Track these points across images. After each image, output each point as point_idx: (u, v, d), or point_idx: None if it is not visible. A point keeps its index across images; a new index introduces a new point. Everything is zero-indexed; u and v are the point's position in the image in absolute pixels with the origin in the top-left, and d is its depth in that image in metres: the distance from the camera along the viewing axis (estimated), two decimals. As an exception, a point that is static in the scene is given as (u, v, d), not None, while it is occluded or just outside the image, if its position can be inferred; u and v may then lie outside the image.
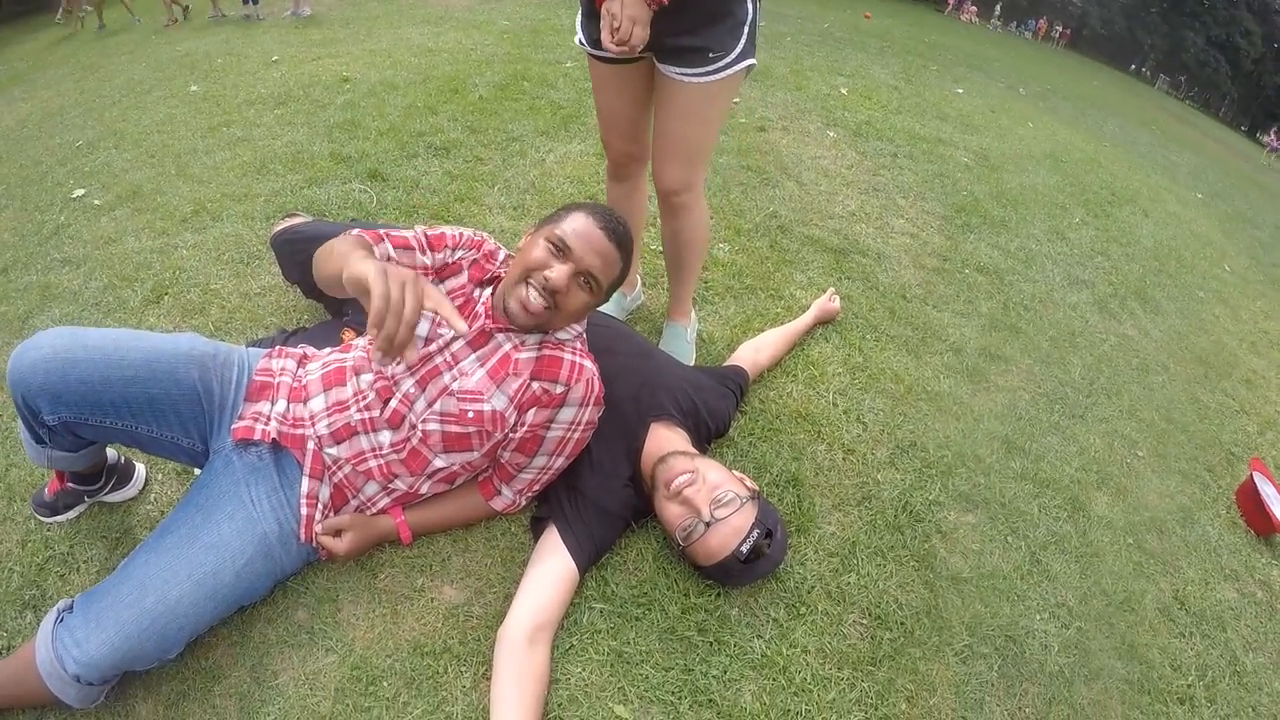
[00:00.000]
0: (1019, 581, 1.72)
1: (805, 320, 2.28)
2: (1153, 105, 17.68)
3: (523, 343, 1.36)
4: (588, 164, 3.21)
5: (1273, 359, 3.50)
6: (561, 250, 1.28)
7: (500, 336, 1.35)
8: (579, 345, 1.42)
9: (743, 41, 1.55)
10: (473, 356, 1.33)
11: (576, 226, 1.30)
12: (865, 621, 1.49)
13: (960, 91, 6.62)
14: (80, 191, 2.85)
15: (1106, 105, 10.21)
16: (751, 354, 2.04)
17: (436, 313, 0.96)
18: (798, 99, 4.85)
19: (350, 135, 3.28)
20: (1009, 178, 4.46)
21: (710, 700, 1.30)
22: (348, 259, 1.02)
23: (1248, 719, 1.62)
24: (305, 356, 1.45)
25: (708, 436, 1.71)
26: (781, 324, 2.27)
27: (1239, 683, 1.67)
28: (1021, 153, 5.11)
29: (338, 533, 1.33)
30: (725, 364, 1.98)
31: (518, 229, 2.64)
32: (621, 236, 1.32)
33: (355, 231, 1.27)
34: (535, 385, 1.34)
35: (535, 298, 1.28)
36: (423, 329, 1.32)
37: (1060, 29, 34.51)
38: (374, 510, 1.40)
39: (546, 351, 1.36)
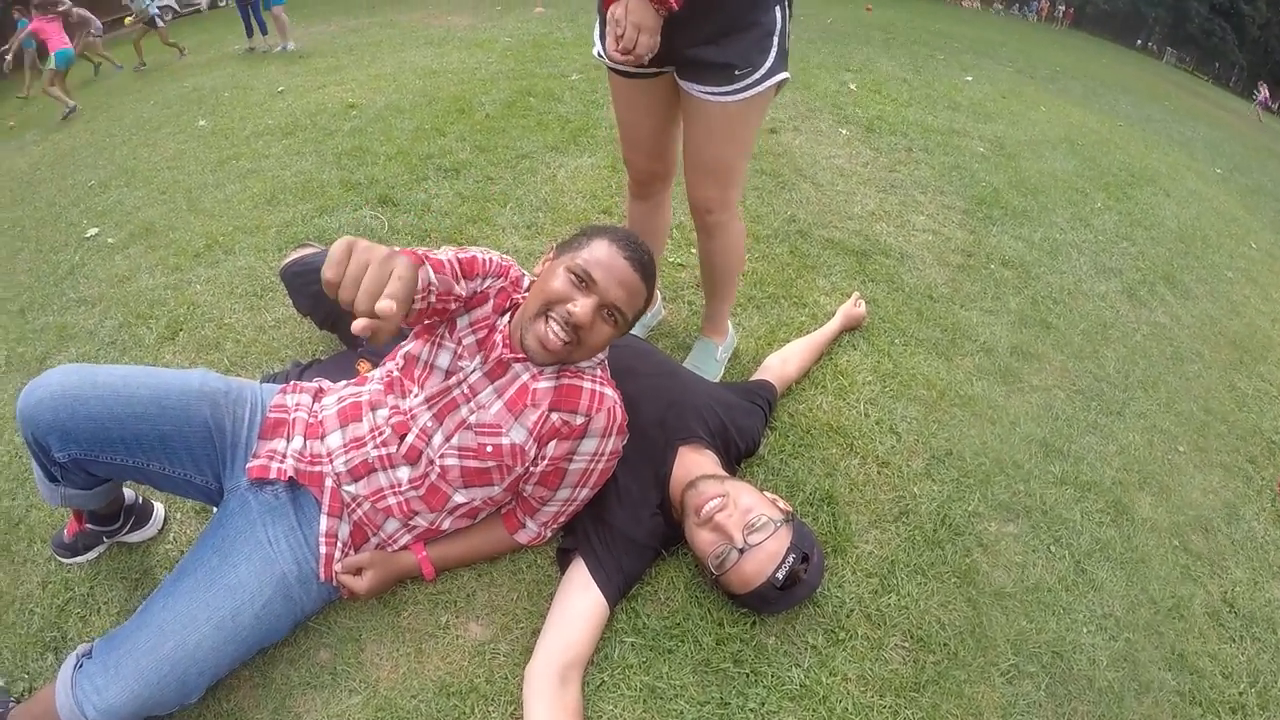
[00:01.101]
0: (1064, 593, 1.66)
1: (831, 328, 2.22)
2: (1163, 79, 17.25)
3: (540, 372, 1.30)
4: (600, 177, 3.17)
5: (1310, 340, 3.37)
6: (584, 282, 1.21)
7: (518, 366, 1.30)
8: (599, 372, 1.37)
9: (772, 55, 1.42)
10: (490, 388, 1.28)
11: (599, 256, 1.23)
12: (907, 645, 1.45)
13: (969, 79, 6.48)
14: (94, 231, 2.88)
15: (1116, 83, 9.97)
16: (779, 366, 1.99)
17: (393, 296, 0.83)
18: (807, 98, 4.77)
19: (359, 161, 3.28)
20: (1026, 165, 4.35)
21: None
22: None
23: None
24: (320, 391, 1.42)
25: (738, 456, 1.67)
26: (807, 333, 2.22)
27: None
28: (1037, 138, 4.98)
29: (358, 571, 1.30)
30: (752, 378, 1.94)
31: (532, 248, 2.61)
32: (646, 265, 1.26)
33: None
34: (554, 416, 1.28)
35: (556, 333, 1.21)
36: (444, 360, 1.28)
37: (1063, 9, 33.79)
38: (395, 547, 1.36)
39: (565, 380, 1.31)
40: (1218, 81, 32.65)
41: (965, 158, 4.18)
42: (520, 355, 1.28)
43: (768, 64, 1.43)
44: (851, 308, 2.33)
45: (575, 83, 4.52)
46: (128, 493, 1.44)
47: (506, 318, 1.32)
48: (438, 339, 1.29)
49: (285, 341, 2.06)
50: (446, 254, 1.26)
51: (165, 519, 1.54)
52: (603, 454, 1.36)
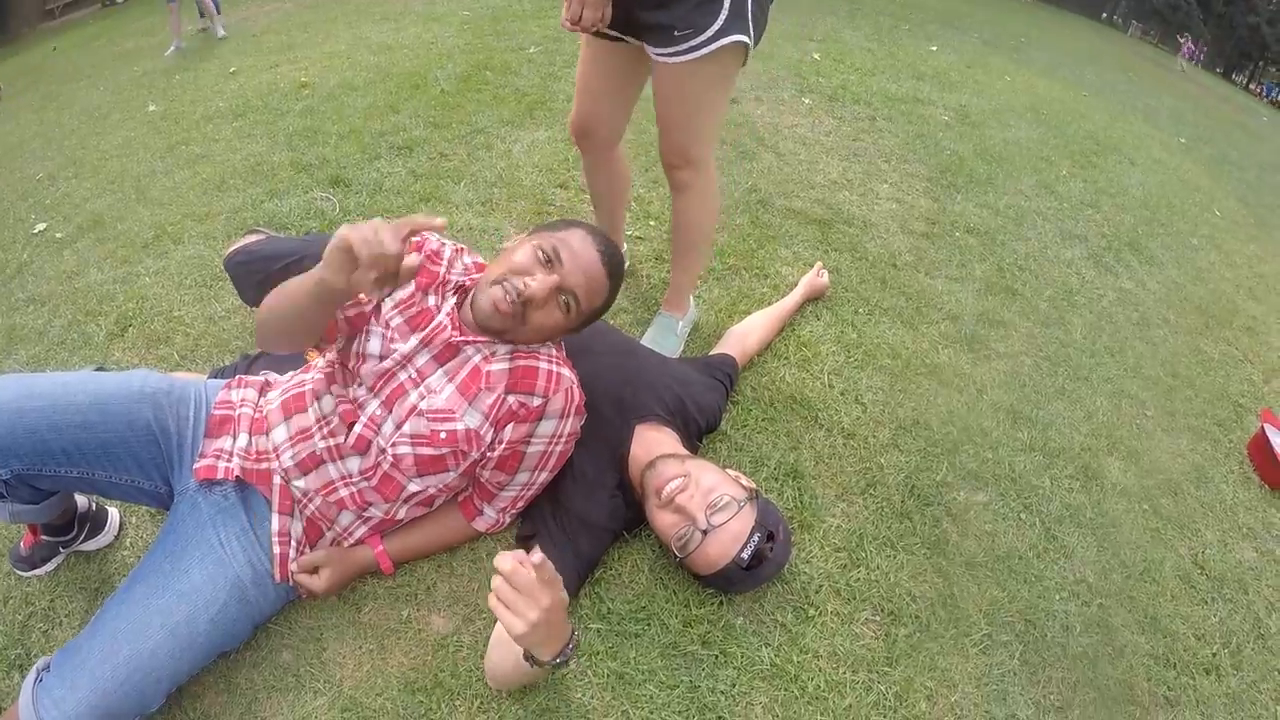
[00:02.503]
0: (1035, 561, 1.65)
1: (794, 299, 2.19)
2: (1128, 51, 17.61)
3: (493, 354, 1.27)
4: (556, 152, 3.08)
5: (1271, 304, 3.45)
6: (550, 260, 1.21)
7: (469, 349, 1.27)
8: (555, 352, 1.34)
9: (720, 18, 1.43)
10: (440, 372, 1.25)
11: (572, 242, 1.23)
12: (878, 619, 1.43)
13: (934, 49, 6.49)
14: (42, 226, 2.81)
15: (1081, 54, 10.14)
16: (739, 340, 1.95)
17: (411, 229, 0.98)
18: (769, 68, 4.71)
19: (310, 142, 3.18)
20: (991, 134, 4.37)
21: (719, 717, 1.24)
22: (297, 280, 1.05)
23: (1274, 683, 1.57)
24: (267, 384, 1.39)
25: (698, 433, 1.63)
26: (769, 304, 2.18)
27: (1264, 646, 1.62)
28: (1002, 107, 5.01)
29: (314, 570, 1.28)
30: (712, 352, 1.89)
31: (487, 225, 2.53)
32: (615, 265, 1.26)
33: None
34: (511, 399, 1.26)
35: (507, 300, 1.19)
36: (375, 346, 1.25)
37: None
38: (351, 541, 1.34)
39: (520, 361, 1.28)
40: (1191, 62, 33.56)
41: (930, 126, 4.18)
42: (471, 338, 1.26)
43: (714, 26, 1.43)
44: (814, 278, 2.30)
45: (533, 55, 4.40)
46: (80, 500, 1.42)
47: (452, 300, 1.30)
48: (364, 327, 1.27)
49: (235, 332, 2.01)
50: None
51: (121, 524, 1.52)
52: (561, 435, 1.34)
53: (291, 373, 1.40)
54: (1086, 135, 4.95)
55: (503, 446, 1.28)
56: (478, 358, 1.26)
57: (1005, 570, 1.59)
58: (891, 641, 1.39)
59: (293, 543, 1.27)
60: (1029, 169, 3.97)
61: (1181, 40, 20.98)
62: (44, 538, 1.40)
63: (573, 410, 1.32)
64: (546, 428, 1.30)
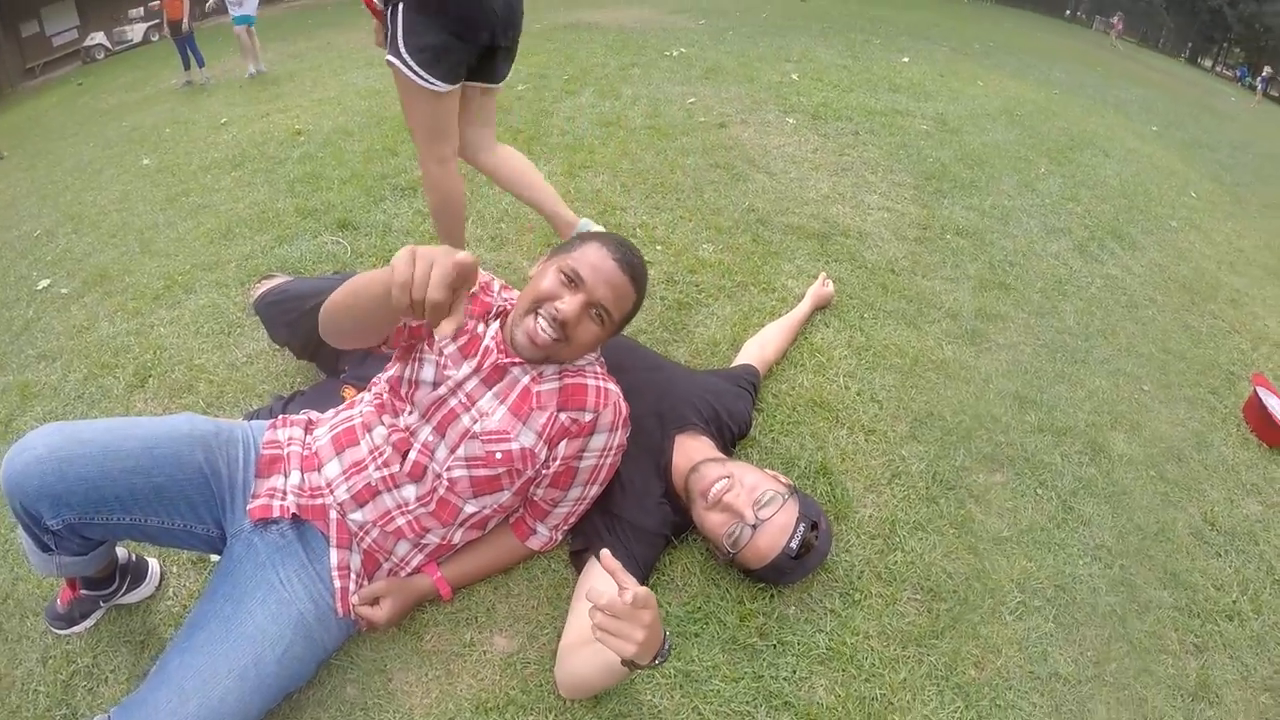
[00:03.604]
0: (1056, 531, 1.78)
1: (803, 309, 2.33)
2: (1093, 46, 18.16)
3: (540, 374, 1.34)
4: (556, 183, 3.20)
5: (1252, 276, 3.62)
6: (573, 281, 1.27)
7: (516, 370, 1.33)
8: (599, 369, 1.42)
9: (387, 39, 1.84)
10: (490, 394, 1.31)
11: (590, 257, 1.28)
12: (919, 597, 1.54)
13: (906, 60, 6.75)
14: (45, 282, 2.82)
15: (1048, 53, 10.48)
16: (758, 350, 2.08)
17: (458, 275, 0.91)
18: (751, 90, 4.93)
19: (313, 188, 3.29)
20: (970, 138, 4.56)
21: (786, 703, 1.33)
22: (369, 279, 1.06)
23: None
24: (311, 422, 1.42)
25: (732, 439, 1.75)
26: (779, 316, 2.32)
27: (1279, 591, 1.74)
28: (977, 112, 5.23)
29: (375, 601, 1.31)
30: (734, 364, 2.03)
31: (500, 260, 2.67)
32: (635, 268, 1.31)
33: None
34: (563, 416, 1.32)
35: (544, 329, 1.25)
36: (429, 373, 1.30)
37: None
38: (408, 570, 1.37)
39: (569, 380, 1.35)
40: (1146, 44, 34.40)
41: (911, 136, 4.37)
42: (517, 359, 1.32)
43: (386, 45, 1.85)
44: (820, 288, 2.44)
45: (522, 93, 4.60)
46: (120, 551, 1.41)
47: (495, 325, 1.37)
48: (417, 355, 1.32)
49: (260, 376, 2.06)
50: None
51: (162, 575, 1.51)
52: (611, 449, 1.40)
53: (333, 410, 1.44)
54: (1061, 132, 5.16)
55: (557, 463, 1.34)
56: (526, 379, 1.32)
57: (1030, 542, 1.72)
58: (935, 616, 1.51)
59: (352, 576, 1.29)
60: (1009, 169, 4.16)
61: (1113, 20, 22.04)
62: (83, 592, 1.37)
63: (621, 423, 1.40)
64: (598, 441, 1.37)
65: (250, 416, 1.75)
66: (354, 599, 1.28)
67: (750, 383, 1.89)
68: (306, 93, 5.34)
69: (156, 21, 15.94)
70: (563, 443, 1.34)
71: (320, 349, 1.81)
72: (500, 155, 2.24)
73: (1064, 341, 2.60)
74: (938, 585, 1.56)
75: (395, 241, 2.76)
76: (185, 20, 7.82)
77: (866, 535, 1.66)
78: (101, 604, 1.42)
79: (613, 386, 1.40)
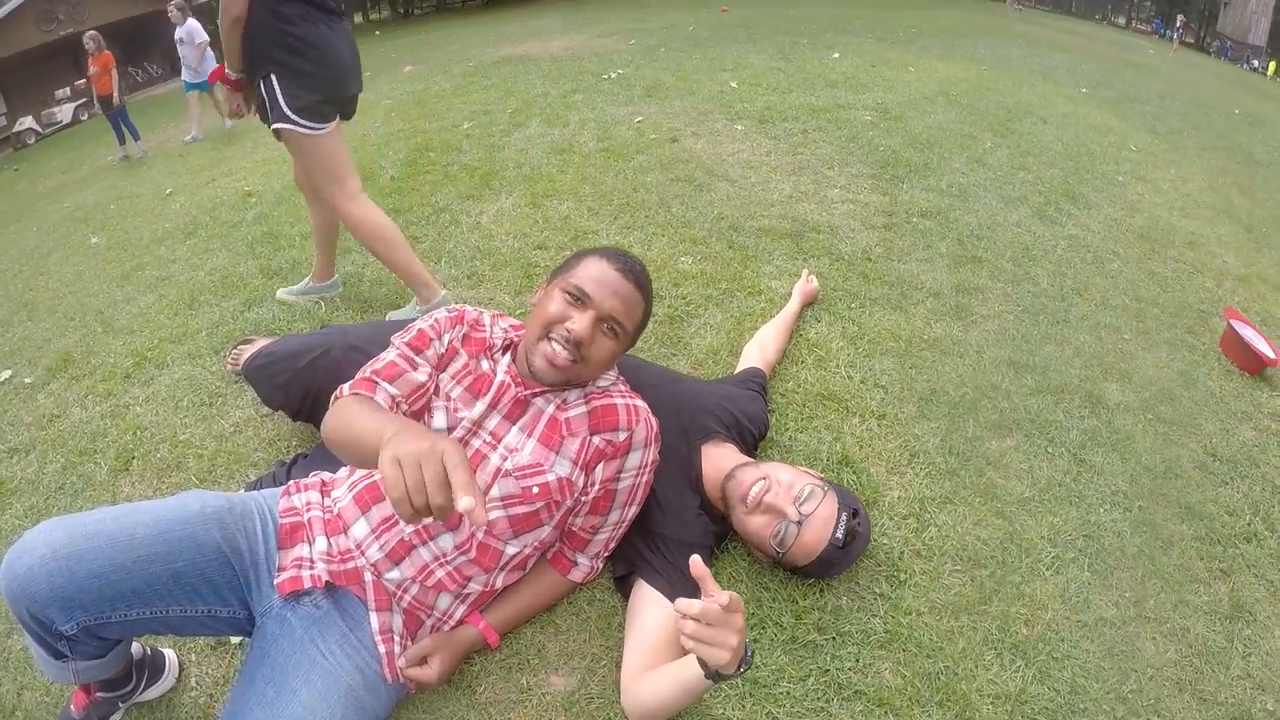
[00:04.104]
0: (1073, 484, 1.88)
1: (793, 307, 2.42)
2: (1010, 19, 18.96)
3: (565, 401, 1.35)
4: (524, 216, 3.27)
5: (1202, 217, 3.85)
6: (579, 299, 1.27)
7: (539, 401, 1.33)
8: (623, 387, 1.44)
9: (268, 110, 2.03)
10: (515, 429, 1.31)
11: (591, 272, 1.29)
12: (961, 567, 1.62)
13: (836, 56, 7.02)
14: (6, 373, 2.74)
15: (969, 33, 10.96)
16: (758, 353, 2.16)
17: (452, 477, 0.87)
18: (695, 103, 5.08)
19: (274, 247, 3.27)
20: (914, 123, 4.76)
21: (856, 692, 1.38)
22: (367, 438, 1.01)
23: None
24: (326, 483, 1.39)
25: (754, 442, 1.82)
26: (770, 317, 2.41)
27: None
28: (915, 97, 5.46)
29: (423, 660, 1.28)
30: (738, 370, 2.10)
31: (479, 297, 2.68)
32: (639, 276, 1.32)
33: (348, 391, 1.26)
34: (597, 439, 1.33)
35: (560, 351, 1.26)
36: (441, 420, 1.30)
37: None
38: (452, 624, 1.35)
39: (597, 402, 1.36)
40: (1060, 10, 36.09)
41: (858, 128, 4.55)
42: (537, 389, 1.33)
43: (267, 116, 2.06)
44: (805, 284, 2.54)
45: (469, 131, 4.66)
46: (134, 645, 1.34)
47: (506, 359, 1.38)
48: (426, 407, 1.32)
49: (252, 444, 2.03)
50: (396, 345, 1.34)
51: (180, 665, 1.46)
52: (646, 465, 1.41)
53: (345, 469, 1.41)
54: (997, 106, 5.42)
55: (596, 488, 1.34)
56: (550, 408, 1.33)
57: (1052, 498, 1.82)
58: (978, 584, 1.58)
59: (395, 638, 1.25)
60: (957, 148, 4.35)
61: None
62: (99, 695, 1.30)
63: (653, 438, 1.41)
64: (634, 460, 1.38)
65: (251, 487, 1.72)
66: (401, 662, 1.25)
67: (760, 385, 1.96)
68: (249, 154, 5.33)
69: (85, 100, 15.83)
70: (600, 466, 1.35)
71: (316, 408, 1.77)
72: (367, 209, 2.43)
73: (1043, 304, 2.74)
74: (975, 553, 1.64)
75: (369, 291, 2.75)
76: (116, 95, 7.79)
77: (899, 516, 1.73)
78: (120, 705, 1.34)
79: (641, 403, 1.42)
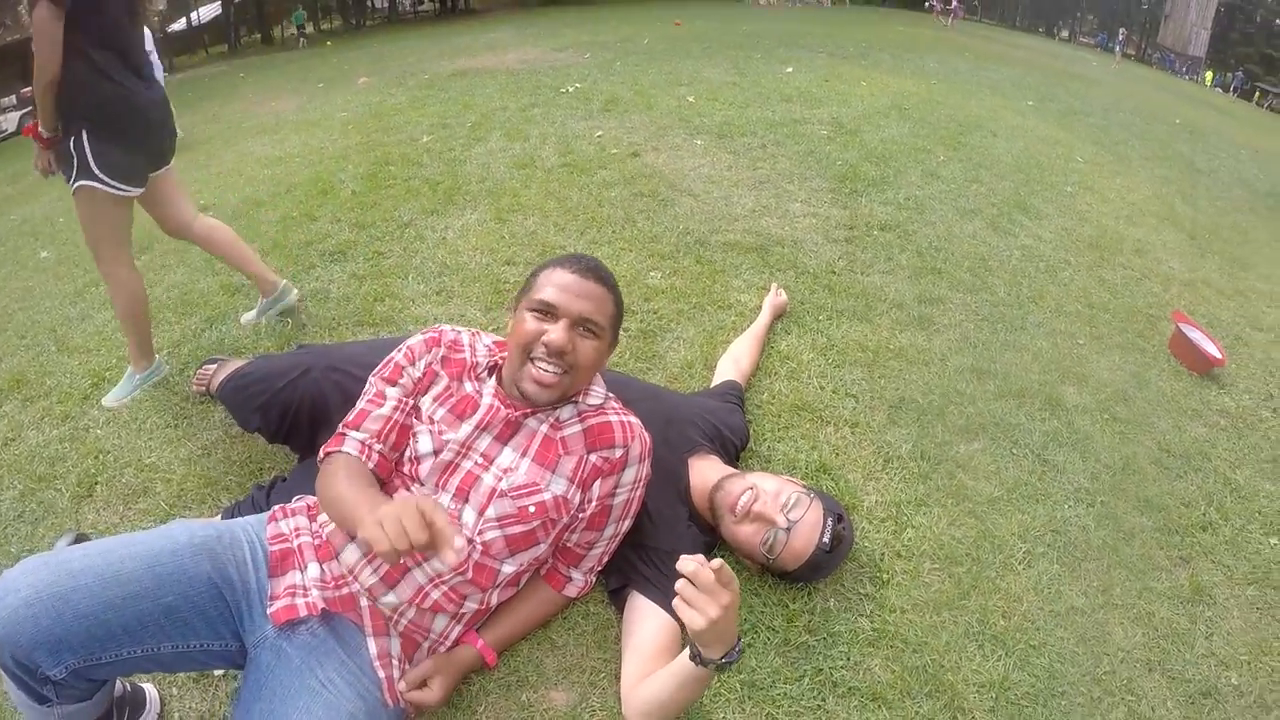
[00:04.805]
0: (1038, 483, 2.02)
1: (764, 320, 2.53)
2: (956, 33, 19.84)
3: (559, 421, 1.38)
4: (490, 231, 3.32)
5: (1148, 225, 4.13)
6: (548, 311, 1.30)
7: (531, 421, 1.37)
8: (616, 404, 1.48)
9: (74, 169, 2.05)
10: (508, 449, 1.35)
11: (553, 281, 1.32)
12: (938, 566, 1.73)
13: (790, 71, 7.28)
14: None
15: (917, 47, 11.46)
16: (732, 366, 2.25)
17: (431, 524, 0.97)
18: (653, 118, 5.21)
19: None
20: (868, 137, 4.98)
21: (850, 689, 1.46)
22: (348, 515, 1.13)
23: (1257, 523, 2.02)
24: (311, 507, 1.39)
25: (735, 453, 1.91)
26: (741, 330, 2.51)
27: (1239, 496, 2.08)
28: (868, 111, 5.71)
29: (423, 683, 1.31)
30: (714, 384, 2.19)
31: (449, 314, 2.69)
32: (600, 272, 1.35)
33: (321, 454, 1.33)
34: (593, 457, 1.38)
35: (545, 369, 1.29)
36: (426, 444, 1.34)
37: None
38: (448, 645, 1.37)
39: (591, 420, 1.40)
40: (1004, 24, 37.90)
41: (815, 143, 4.75)
42: (527, 409, 1.36)
43: (71, 174, 2.07)
44: (774, 298, 2.66)
45: (428, 145, 4.68)
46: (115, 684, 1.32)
47: (492, 381, 1.41)
48: (405, 433, 1.36)
49: (222, 468, 2.00)
50: (372, 381, 1.39)
51: (162, 701, 1.43)
52: (640, 480, 1.46)
53: None
54: (948, 119, 5.70)
55: (593, 504, 1.39)
56: (544, 427, 1.37)
57: (1019, 497, 1.95)
58: (957, 580, 1.70)
59: (394, 662, 1.27)
60: (911, 161, 4.57)
61: (951, 5, 25.09)
62: None
63: (647, 453, 1.45)
64: (629, 475, 1.42)
65: (229, 513, 1.70)
66: (401, 686, 1.27)
67: (738, 397, 2.06)
68: (202, 167, 5.23)
69: (31, 108, 15.20)
70: (596, 483, 1.39)
71: (295, 430, 1.77)
72: (208, 224, 2.55)
73: (1000, 313, 2.91)
74: (951, 552, 1.76)
75: (336, 308, 2.74)
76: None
77: (878, 520, 1.84)
78: None
79: (634, 419, 1.47)
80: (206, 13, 31.20)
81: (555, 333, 1.28)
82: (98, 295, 3.18)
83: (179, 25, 31.03)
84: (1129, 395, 2.48)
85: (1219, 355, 2.70)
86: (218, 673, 1.47)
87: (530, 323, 1.30)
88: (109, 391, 2.38)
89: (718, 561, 1.08)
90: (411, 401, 1.38)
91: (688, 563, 1.09)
